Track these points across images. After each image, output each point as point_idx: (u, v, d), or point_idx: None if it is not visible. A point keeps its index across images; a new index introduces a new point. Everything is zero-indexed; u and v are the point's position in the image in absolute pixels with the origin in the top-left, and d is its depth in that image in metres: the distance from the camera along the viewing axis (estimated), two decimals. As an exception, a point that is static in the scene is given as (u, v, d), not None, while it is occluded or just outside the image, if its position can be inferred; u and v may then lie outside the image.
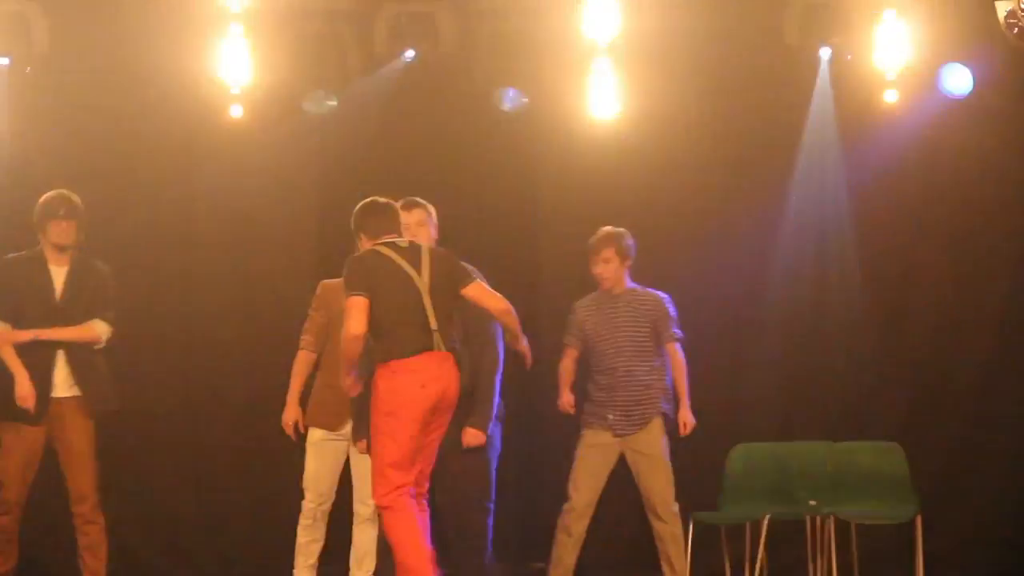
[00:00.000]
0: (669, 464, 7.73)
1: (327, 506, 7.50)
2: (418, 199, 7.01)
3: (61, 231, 7.28)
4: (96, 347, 7.36)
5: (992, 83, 8.59)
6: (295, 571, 7.53)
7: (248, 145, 8.68)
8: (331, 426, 7.38)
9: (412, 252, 6.50)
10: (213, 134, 8.66)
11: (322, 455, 7.43)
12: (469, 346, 6.64)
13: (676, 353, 7.83)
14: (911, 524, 7.96)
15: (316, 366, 7.54)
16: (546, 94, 8.73)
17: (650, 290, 7.87)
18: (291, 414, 7.49)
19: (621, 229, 7.83)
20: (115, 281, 7.50)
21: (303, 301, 7.93)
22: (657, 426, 7.73)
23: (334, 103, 8.71)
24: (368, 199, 6.73)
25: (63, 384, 7.26)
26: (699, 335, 8.88)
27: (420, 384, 6.32)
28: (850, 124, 8.80)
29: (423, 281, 6.43)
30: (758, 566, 8.07)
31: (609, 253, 7.75)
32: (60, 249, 7.31)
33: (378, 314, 6.35)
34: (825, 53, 8.61)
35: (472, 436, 6.79)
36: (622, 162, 8.86)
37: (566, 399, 7.77)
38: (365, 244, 6.61)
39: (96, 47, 8.46)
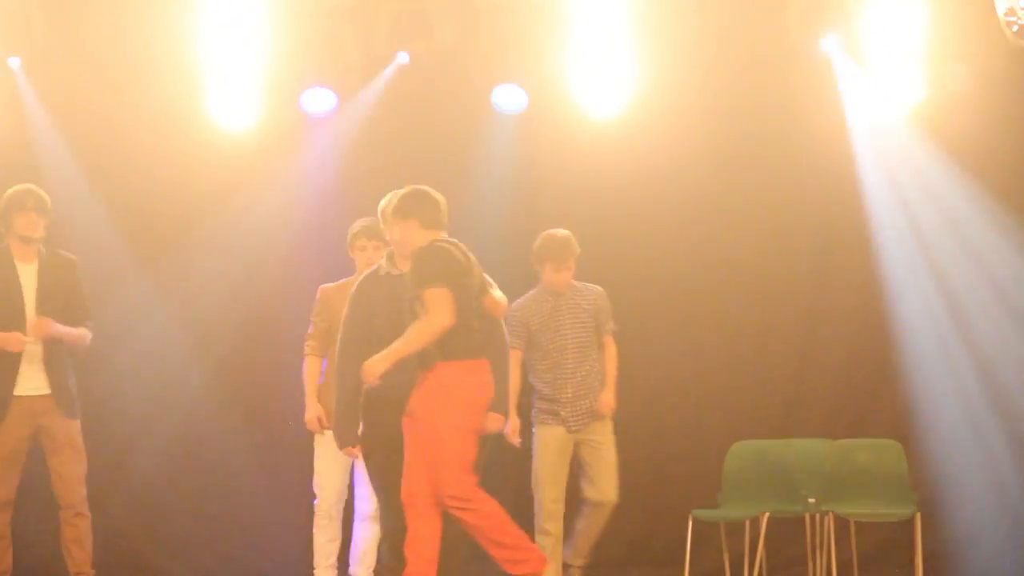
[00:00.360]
0: (615, 451, 7.78)
1: (340, 504, 7.54)
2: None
3: (29, 223, 7.24)
4: (77, 353, 7.41)
5: (991, 80, 8.58)
6: (316, 571, 7.56)
7: (247, 143, 8.68)
8: None
9: (467, 255, 6.54)
10: (211, 132, 8.66)
11: (332, 456, 7.42)
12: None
13: (611, 344, 7.90)
14: (910, 522, 7.94)
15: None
16: (545, 91, 8.73)
17: (589, 285, 7.90)
18: (314, 411, 7.50)
19: (567, 232, 7.81)
20: (83, 273, 7.46)
21: (304, 298, 7.93)
22: (606, 418, 7.80)
23: (333, 100, 8.71)
24: (418, 187, 6.67)
25: (39, 383, 7.26)
26: (699, 332, 8.92)
27: (490, 384, 6.46)
28: (850, 121, 8.80)
29: (477, 285, 6.52)
30: (757, 563, 8.06)
31: (572, 262, 7.77)
32: (27, 242, 7.27)
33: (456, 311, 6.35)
34: (825, 50, 8.61)
35: (495, 421, 6.66)
36: (621, 159, 8.87)
37: (513, 426, 7.62)
38: (415, 230, 6.54)
39: (92, 46, 8.45)
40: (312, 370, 7.53)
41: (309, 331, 7.56)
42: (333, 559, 7.51)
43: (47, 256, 7.33)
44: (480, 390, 6.42)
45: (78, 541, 7.34)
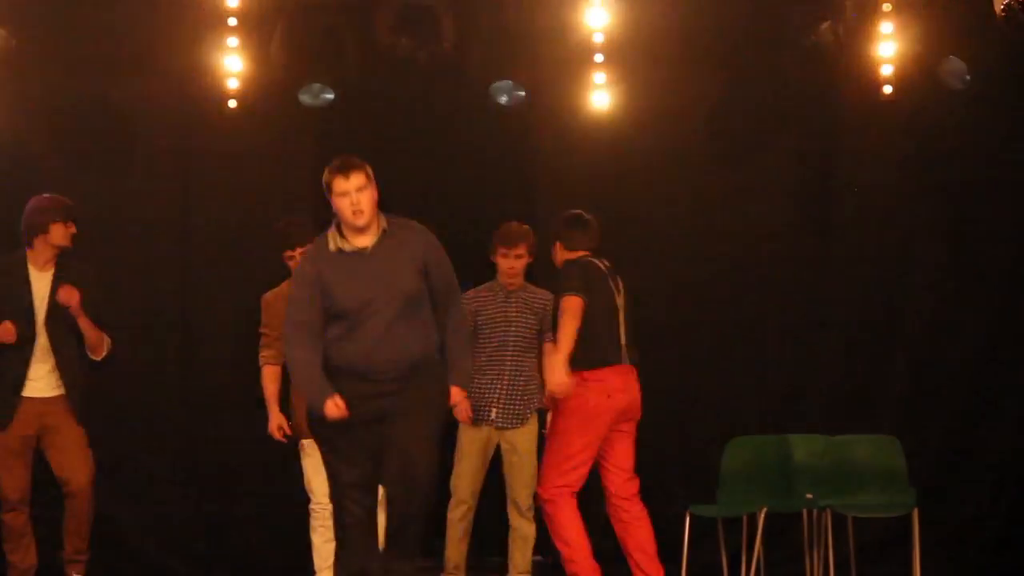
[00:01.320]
0: (536, 462, 7.63)
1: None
2: (354, 158, 6.19)
3: (69, 233, 7.30)
4: (95, 358, 7.41)
5: (989, 74, 8.58)
6: (316, 573, 7.54)
7: (244, 139, 8.67)
8: None
9: (612, 271, 7.07)
10: (208, 127, 8.65)
11: (319, 458, 7.43)
12: (435, 306, 6.31)
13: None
14: (908, 517, 7.93)
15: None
16: (545, 88, 8.73)
17: (541, 289, 7.82)
18: (276, 420, 7.49)
19: (527, 225, 7.79)
20: (100, 280, 7.47)
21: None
22: (534, 422, 7.79)
23: (331, 96, 8.70)
24: (574, 212, 7.16)
25: (46, 385, 7.28)
26: (697, 328, 8.92)
27: (607, 394, 6.92)
28: (849, 118, 8.80)
29: (620, 299, 7.05)
30: (755, 559, 8.05)
31: (522, 249, 7.71)
32: (59, 251, 7.30)
33: (584, 320, 6.80)
34: (823, 46, 8.60)
35: (457, 393, 6.44)
36: (621, 157, 8.87)
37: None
38: (560, 252, 7.15)
39: (90, 36, 8.43)
40: (271, 378, 7.49)
41: (262, 341, 7.52)
42: (331, 559, 7.49)
43: (63, 264, 7.34)
44: (593, 398, 6.85)
45: (79, 530, 7.35)
